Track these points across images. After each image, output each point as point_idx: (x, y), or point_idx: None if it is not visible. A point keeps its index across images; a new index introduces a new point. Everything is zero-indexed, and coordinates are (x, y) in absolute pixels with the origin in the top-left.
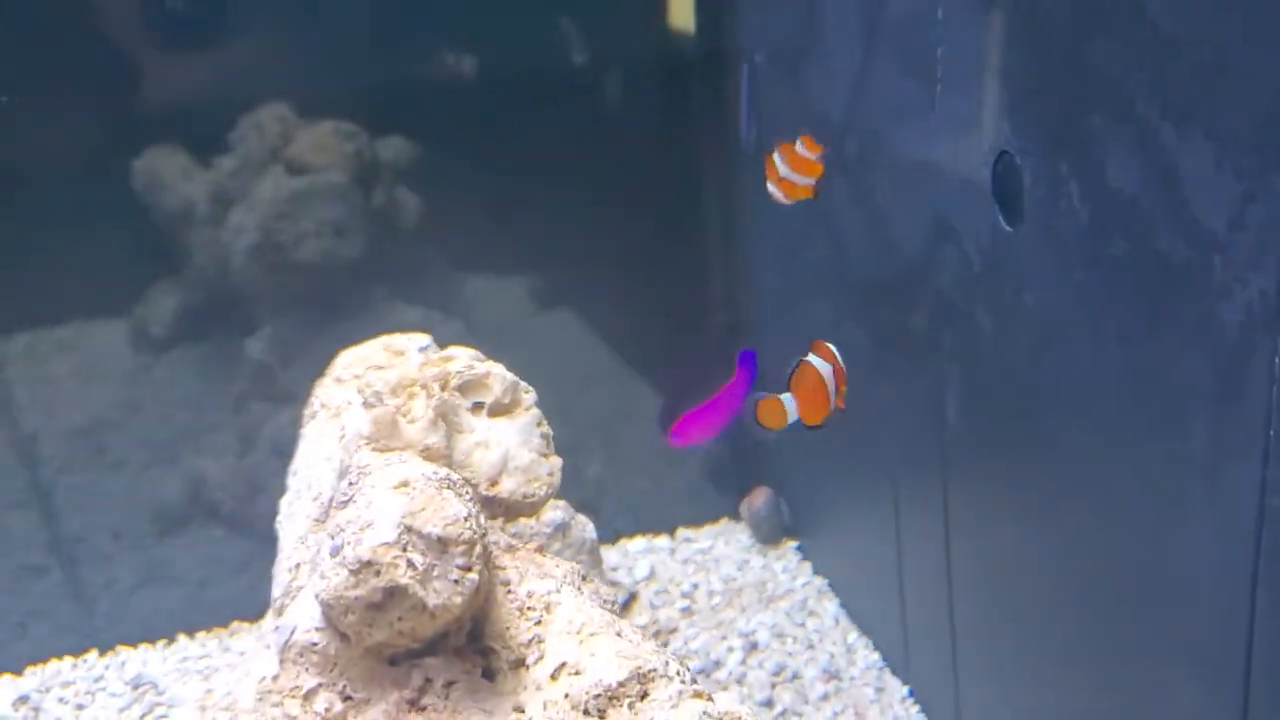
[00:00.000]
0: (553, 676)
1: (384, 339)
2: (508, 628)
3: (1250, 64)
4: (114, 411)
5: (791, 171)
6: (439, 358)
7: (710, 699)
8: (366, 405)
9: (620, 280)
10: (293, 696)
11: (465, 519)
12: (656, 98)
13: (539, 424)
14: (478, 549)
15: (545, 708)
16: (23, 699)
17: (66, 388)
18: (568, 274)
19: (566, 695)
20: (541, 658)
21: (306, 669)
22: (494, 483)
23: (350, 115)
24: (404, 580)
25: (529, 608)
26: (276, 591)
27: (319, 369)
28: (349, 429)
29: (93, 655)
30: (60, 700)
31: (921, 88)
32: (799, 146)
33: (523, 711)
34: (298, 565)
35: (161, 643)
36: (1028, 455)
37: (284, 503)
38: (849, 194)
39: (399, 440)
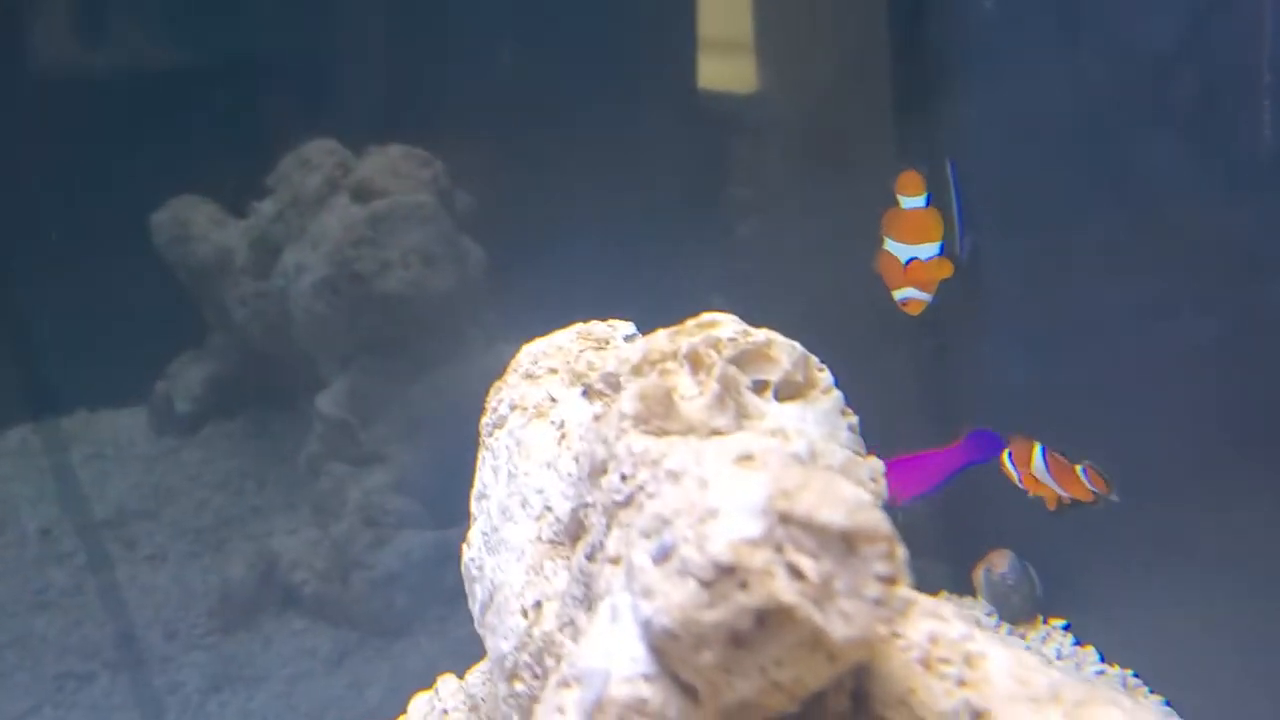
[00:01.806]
0: None
1: (576, 327)
2: (911, 689)
3: None
4: (146, 501)
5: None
6: (695, 324)
7: None
8: (592, 393)
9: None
10: None
11: (871, 504)
12: None
13: (843, 412)
14: (900, 551)
15: None
16: None
17: (85, 476)
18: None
19: None
20: None
21: None
22: None
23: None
24: (788, 597)
25: (940, 659)
26: (506, 646)
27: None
28: (577, 421)
29: None
30: None
31: None
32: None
33: None
34: (537, 604)
35: None
36: None
37: (475, 536)
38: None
39: (676, 422)
